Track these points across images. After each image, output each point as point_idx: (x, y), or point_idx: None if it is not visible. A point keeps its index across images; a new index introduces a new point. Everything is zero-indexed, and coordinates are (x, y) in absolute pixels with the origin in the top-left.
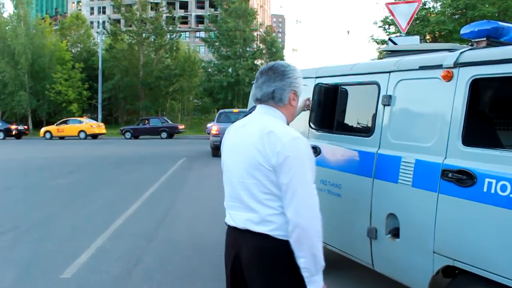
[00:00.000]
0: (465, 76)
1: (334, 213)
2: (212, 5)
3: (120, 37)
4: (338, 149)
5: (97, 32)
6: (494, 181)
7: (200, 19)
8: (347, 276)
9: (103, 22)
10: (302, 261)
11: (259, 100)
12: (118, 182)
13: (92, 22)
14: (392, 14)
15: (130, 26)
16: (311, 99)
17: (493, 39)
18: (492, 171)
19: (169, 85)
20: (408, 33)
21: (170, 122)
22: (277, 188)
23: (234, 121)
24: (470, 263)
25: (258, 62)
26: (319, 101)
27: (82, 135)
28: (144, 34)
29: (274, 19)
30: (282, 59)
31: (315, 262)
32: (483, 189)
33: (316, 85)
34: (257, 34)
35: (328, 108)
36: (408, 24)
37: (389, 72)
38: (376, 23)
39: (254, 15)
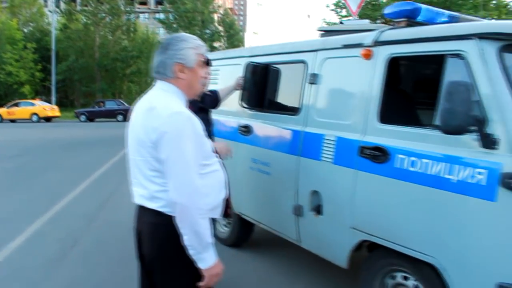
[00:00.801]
0: (383, 54)
1: (264, 191)
2: None
3: (74, 16)
4: (267, 127)
5: (50, 11)
6: (405, 157)
7: (159, 0)
8: (282, 256)
9: (57, 0)
10: (185, 239)
11: (153, 76)
12: (67, 165)
13: (46, 0)
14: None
15: (86, 5)
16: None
17: (412, 19)
18: (404, 148)
19: (126, 67)
20: (360, 17)
21: (126, 104)
22: (160, 165)
23: None
24: (383, 237)
25: (216, 44)
26: (250, 79)
27: (34, 118)
28: (100, 14)
29: (236, 2)
30: (241, 41)
31: (199, 239)
32: (395, 165)
33: (247, 63)
34: (218, 16)
35: (259, 87)
36: (358, 7)
37: (316, 50)
38: (329, 6)
39: None
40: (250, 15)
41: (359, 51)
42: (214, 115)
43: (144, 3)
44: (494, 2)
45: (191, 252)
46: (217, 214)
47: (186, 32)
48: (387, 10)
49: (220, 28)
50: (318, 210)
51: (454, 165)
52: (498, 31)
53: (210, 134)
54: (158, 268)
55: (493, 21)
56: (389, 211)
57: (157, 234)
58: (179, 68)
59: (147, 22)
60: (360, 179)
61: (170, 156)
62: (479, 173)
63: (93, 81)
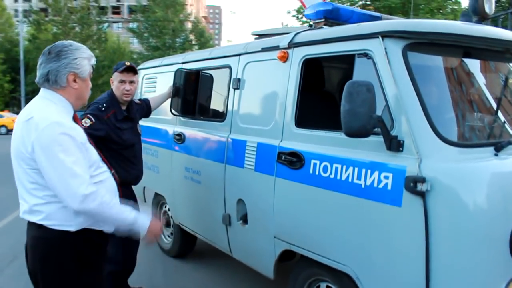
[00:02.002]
0: (298, 56)
1: (196, 200)
2: None
3: (43, 27)
4: (198, 135)
5: (18, 21)
6: (318, 162)
7: (132, 10)
8: (223, 266)
9: (24, 10)
10: (114, 231)
11: (38, 83)
12: None
13: (16, 10)
14: (303, 4)
15: (56, 16)
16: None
17: (331, 20)
18: (316, 153)
19: (98, 77)
20: None
21: None
22: (40, 177)
23: None
24: (302, 246)
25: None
26: (179, 86)
27: (3, 130)
28: (70, 24)
29: (211, 10)
30: None
31: (123, 223)
32: (309, 171)
33: (177, 70)
34: (191, 25)
35: (189, 93)
36: None
37: (239, 55)
38: (290, 13)
39: (182, 5)
40: (225, 23)
41: (276, 53)
42: (153, 123)
43: (118, 13)
44: (450, 6)
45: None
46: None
47: (157, 41)
48: (308, 11)
49: (192, 36)
50: (245, 219)
51: (362, 170)
52: (401, 29)
53: (138, 143)
54: (41, 282)
55: (400, 19)
56: (306, 219)
57: (38, 248)
58: (73, 78)
59: (120, 31)
60: (278, 186)
61: (48, 167)
62: (385, 177)
63: None
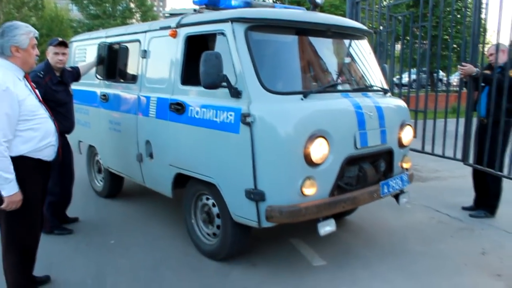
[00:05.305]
0: (183, 34)
1: (118, 145)
2: None
3: None
4: (118, 94)
5: None
6: (193, 108)
7: None
8: (147, 202)
9: None
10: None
11: None
12: None
13: None
14: None
15: None
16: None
17: (212, 6)
18: (192, 101)
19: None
20: None
21: None
22: None
23: None
24: (187, 168)
25: (129, 21)
26: (103, 56)
27: None
28: None
29: None
30: (155, 18)
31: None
32: (188, 115)
33: (100, 43)
34: None
35: (111, 62)
36: None
37: (146, 31)
38: None
39: None
40: None
41: (169, 31)
42: (85, 87)
43: None
44: None
45: None
46: (47, 156)
47: (97, 9)
48: None
49: (132, 5)
50: (151, 155)
51: (218, 111)
52: (244, 16)
53: (70, 102)
54: None
55: (246, 8)
56: (188, 149)
57: None
58: (15, 49)
59: None
60: (170, 127)
61: None
62: (230, 115)
63: None
